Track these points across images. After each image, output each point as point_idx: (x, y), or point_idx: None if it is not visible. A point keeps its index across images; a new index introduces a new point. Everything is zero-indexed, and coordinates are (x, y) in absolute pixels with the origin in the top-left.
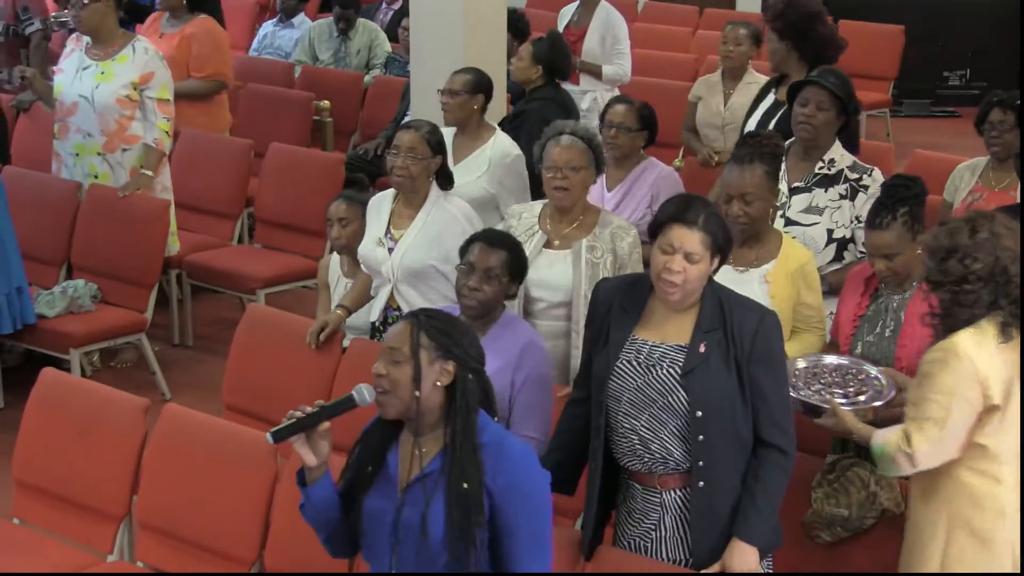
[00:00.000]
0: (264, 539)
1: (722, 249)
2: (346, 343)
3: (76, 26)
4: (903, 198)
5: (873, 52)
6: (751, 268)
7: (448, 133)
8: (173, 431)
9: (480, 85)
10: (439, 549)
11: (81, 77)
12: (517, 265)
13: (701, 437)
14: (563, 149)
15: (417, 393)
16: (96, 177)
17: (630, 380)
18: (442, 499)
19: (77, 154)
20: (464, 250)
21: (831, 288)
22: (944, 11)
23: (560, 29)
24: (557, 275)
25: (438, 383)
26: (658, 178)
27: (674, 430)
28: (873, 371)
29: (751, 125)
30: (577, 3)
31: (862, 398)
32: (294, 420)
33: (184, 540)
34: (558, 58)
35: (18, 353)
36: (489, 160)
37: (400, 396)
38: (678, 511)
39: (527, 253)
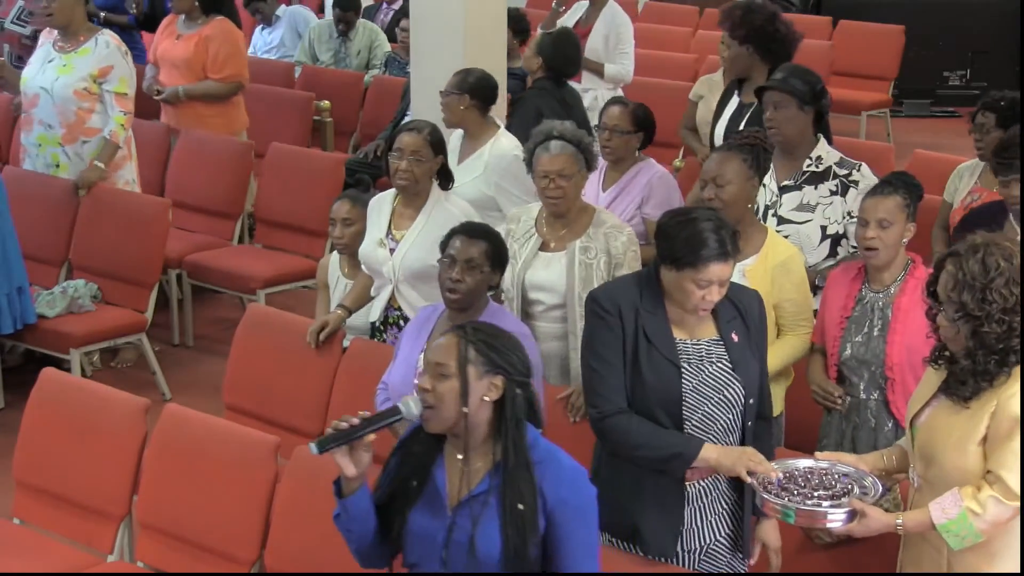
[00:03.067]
0: (264, 539)
1: None
2: (346, 343)
3: (47, 21)
4: (904, 183)
5: (873, 52)
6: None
7: (457, 133)
8: (173, 431)
9: (466, 85)
10: (490, 568)
11: (45, 70)
12: (498, 255)
13: (749, 423)
14: (553, 157)
15: (465, 409)
16: (57, 167)
17: (687, 382)
18: (494, 519)
19: (40, 144)
20: (444, 244)
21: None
22: (944, 11)
23: (569, 26)
24: (553, 277)
25: (486, 398)
26: (652, 179)
27: (724, 424)
28: (845, 468)
29: (719, 130)
30: (587, 2)
31: (860, 495)
32: (339, 431)
33: (184, 540)
34: (558, 55)
35: (19, 353)
36: (486, 163)
37: (446, 411)
38: (699, 502)
39: (524, 256)
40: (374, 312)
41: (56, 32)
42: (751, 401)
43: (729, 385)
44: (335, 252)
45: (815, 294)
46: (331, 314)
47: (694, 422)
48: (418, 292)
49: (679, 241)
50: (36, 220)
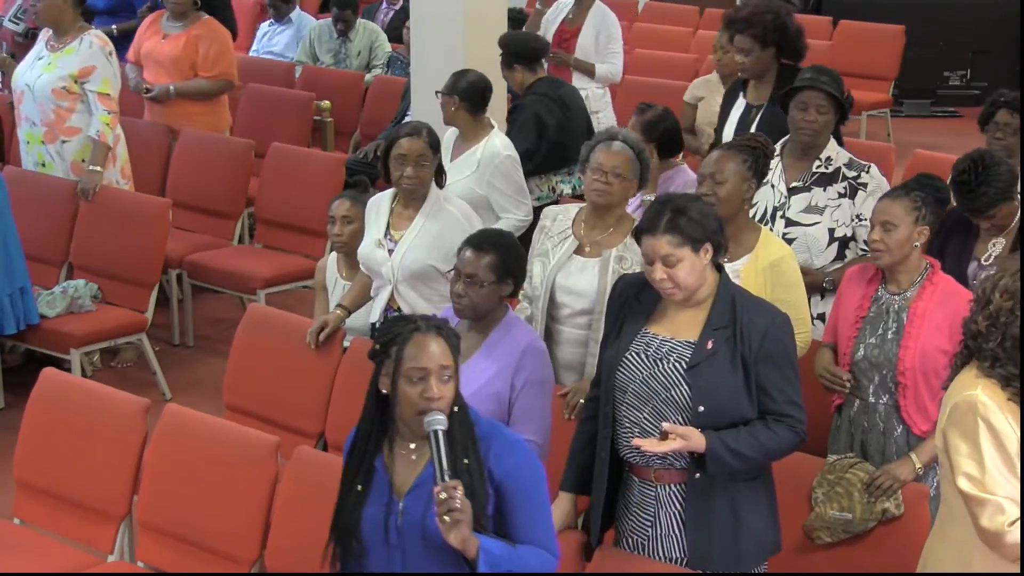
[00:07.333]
0: (264, 539)
1: (702, 239)
2: (347, 343)
3: (35, 19)
4: (923, 185)
5: (873, 52)
6: (724, 263)
7: (452, 130)
8: (173, 431)
9: (455, 88)
10: (443, 547)
11: (33, 67)
12: (506, 265)
13: (699, 431)
14: (611, 154)
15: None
16: (43, 166)
17: (636, 372)
18: None
19: (28, 142)
20: (459, 252)
21: (835, 286)
22: (944, 11)
23: (555, 26)
24: (584, 282)
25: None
26: (684, 185)
27: (673, 423)
28: None
29: (728, 132)
30: (571, 1)
31: None
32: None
33: (184, 540)
34: (514, 43)
35: (19, 353)
36: (478, 161)
37: (445, 410)
38: (673, 507)
39: (557, 257)
40: (374, 313)
41: (51, 31)
42: (701, 409)
43: (676, 386)
44: (332, 254)
45: (823, 297)
46: (330, 314)
47: (645, 414)
48: (417, 292)
49: None
50: (36, 220)
